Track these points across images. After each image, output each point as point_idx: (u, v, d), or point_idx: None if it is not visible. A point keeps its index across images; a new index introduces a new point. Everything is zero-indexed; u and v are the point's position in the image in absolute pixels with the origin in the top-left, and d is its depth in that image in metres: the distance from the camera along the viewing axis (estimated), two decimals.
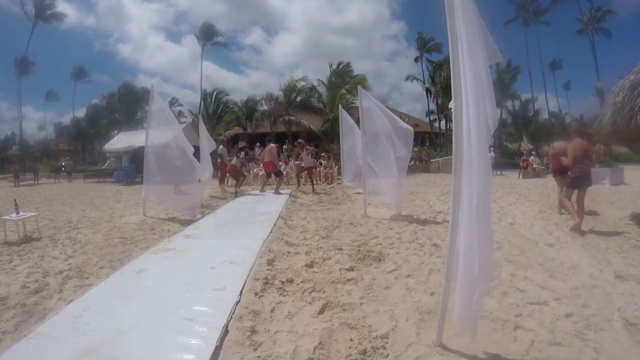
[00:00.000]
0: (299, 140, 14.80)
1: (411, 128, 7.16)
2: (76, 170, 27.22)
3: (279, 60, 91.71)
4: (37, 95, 74.65)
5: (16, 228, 6.06)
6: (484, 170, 2.25)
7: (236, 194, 11.11)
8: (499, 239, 5.42)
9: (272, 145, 12.18)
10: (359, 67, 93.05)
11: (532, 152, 20.78)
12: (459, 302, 2.40)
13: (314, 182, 13.81)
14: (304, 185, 13.83)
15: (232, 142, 17.91)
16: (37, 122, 77.25)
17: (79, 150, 41.58)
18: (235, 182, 12.03)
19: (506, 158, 26.37)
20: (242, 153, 11.54)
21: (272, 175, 11.89)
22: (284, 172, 16.32)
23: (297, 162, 16.81)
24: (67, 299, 3.50)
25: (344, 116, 11.72)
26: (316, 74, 52.01)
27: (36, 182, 23.47)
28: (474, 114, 2.25)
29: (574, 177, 6.25)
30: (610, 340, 2.62)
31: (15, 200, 6.54)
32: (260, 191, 11.87)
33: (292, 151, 19.23)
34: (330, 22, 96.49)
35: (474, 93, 2.25)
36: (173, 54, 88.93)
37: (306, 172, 13.84)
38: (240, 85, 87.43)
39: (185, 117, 40.14)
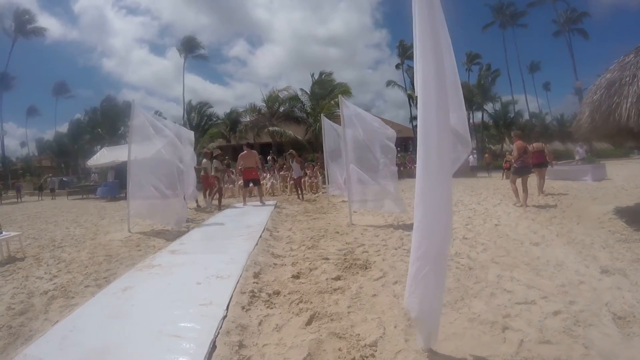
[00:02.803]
0: (291, 150, 14.80)
1: (394, 131, 7.31)
2: (77, 186, 26.59)
3: (264, 72, 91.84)
4: (19, 111, 73.33)
5: None
6: (439, 176, 2.38)
7: (220, 207, 10.95)
8: (484, 241, 5.47)
9: (254, 151, 11.82)
10: (343, 76, 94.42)
11: None
12: None
13: (303, 191, 13.87)
14: (300, 194, 13.58)
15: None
16: (19, 138, 75.65)
17: (62, 167, 40.86)
18: (218, 195, 11.49)
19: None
20: (215, 161, 11.30)
21: (252, 184, 11.62)
22: (269, 183, 16.28)
23: (282, 173, 16.79)
24: (53, 319, 3.41)
25: (327, 124, 11.73)
26: (300, 84, 52.48)
27: (19, 199, 23.08)
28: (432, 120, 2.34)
29: (518, 168, 8.51)
30: (600, 335, 2.64)
31: None
32: (243, 204, 11.34)
33: (277, 162, 19.25)
34: (315, 33, 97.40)
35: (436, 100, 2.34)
36: (157, 67, 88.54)
37: (296, 181, 13.82)
38: (225, 97, 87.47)
39: None
